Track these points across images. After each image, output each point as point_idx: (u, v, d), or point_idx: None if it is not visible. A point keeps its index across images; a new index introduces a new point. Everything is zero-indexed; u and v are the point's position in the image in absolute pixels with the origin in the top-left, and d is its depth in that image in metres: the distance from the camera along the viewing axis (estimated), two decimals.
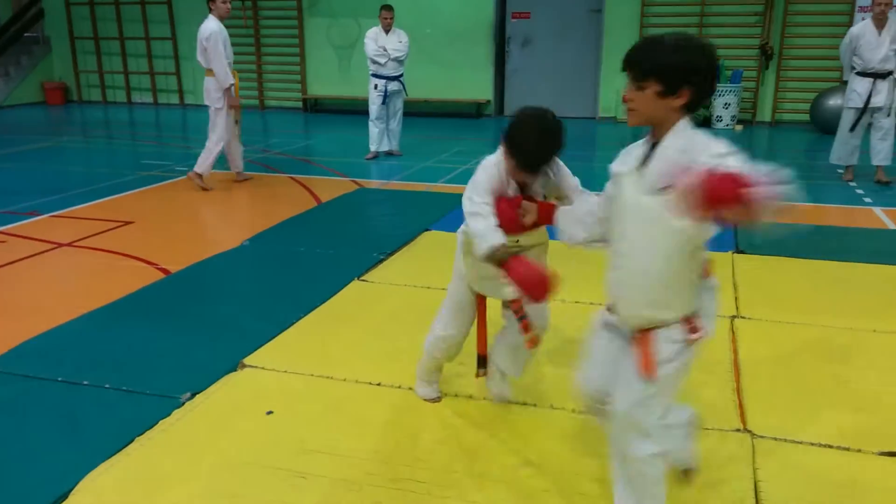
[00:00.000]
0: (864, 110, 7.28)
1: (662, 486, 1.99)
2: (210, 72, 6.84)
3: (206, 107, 7.03)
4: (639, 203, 1.85)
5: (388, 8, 8.47)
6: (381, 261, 4.64)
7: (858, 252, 4.73)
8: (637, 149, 1.92)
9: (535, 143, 2.35)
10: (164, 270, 4.48)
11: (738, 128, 11.09)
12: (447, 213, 5.83)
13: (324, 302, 3.94)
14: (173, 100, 14.18)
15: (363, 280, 4.31)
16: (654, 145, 1.86)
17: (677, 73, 1.79)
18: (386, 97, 8.55)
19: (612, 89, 12.03)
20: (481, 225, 2.32)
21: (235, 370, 3.13)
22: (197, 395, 2.91)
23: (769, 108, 11.44)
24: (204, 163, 6.95)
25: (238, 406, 2.86)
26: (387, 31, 8.47)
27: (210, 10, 6.84)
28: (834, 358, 3.28)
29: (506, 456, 2.54)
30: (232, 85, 6.85)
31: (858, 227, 5.60)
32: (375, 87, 8.53)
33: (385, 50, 8.42)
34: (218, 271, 4.54)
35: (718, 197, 1.53)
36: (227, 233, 5.62)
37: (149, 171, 7.77)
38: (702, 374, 3.08)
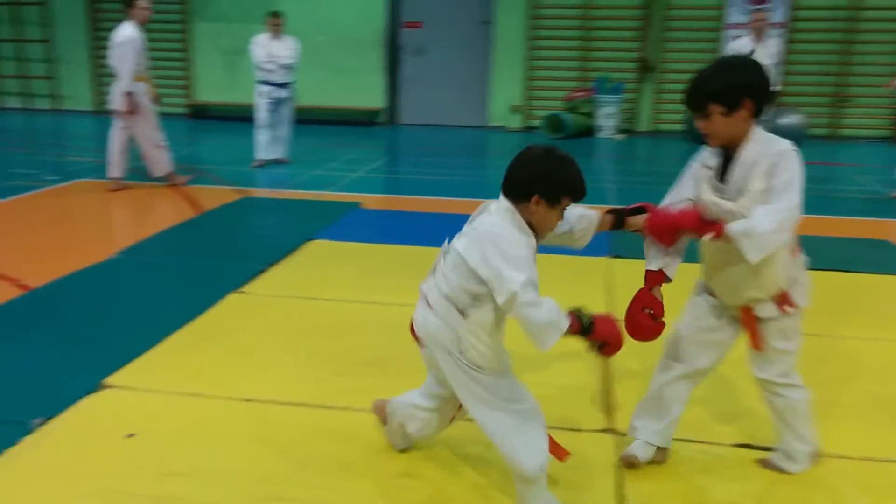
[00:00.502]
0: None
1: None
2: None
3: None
4: (724, 209, 2.17)
5: (276, 14, 8.33)
6: (262, 272, 4.52)
7: None
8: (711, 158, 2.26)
9: (576, 170, 2.10)
10: (24, 286, 4.20)
11: (620, 137, 11.52)
12: (334, 222, 5.77)
13: (197, 316, 3.78)
14: (46, 104, 13.42)
15: (241, 292, 4.18)
16: (728, 157, 2.19)
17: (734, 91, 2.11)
18: (274, 104, 8.37)
19: (502, 99, 12.26)
20: (545, 313, 1.97)
21: (95, 391, 2.96)
22: (51, 420, 2.72)
23: (648, 119, 11.94)
24: (160, 164, 7.03)
25: (96, 430, 2.69)
26: (275, 38, 8.30)
27: (129, 16, 6.77)
28: None
29: (380, 468, 2.50)
30: (132, 92, 6.73)
31: None
32: (263, 93, 8.35)
33: (273, 56, 8.25)
34: (84, 286, 4.30)
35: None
36: (99, 245, 5.32)
37: (15, 180, 7.30)
38: (570, 378, 3.16)
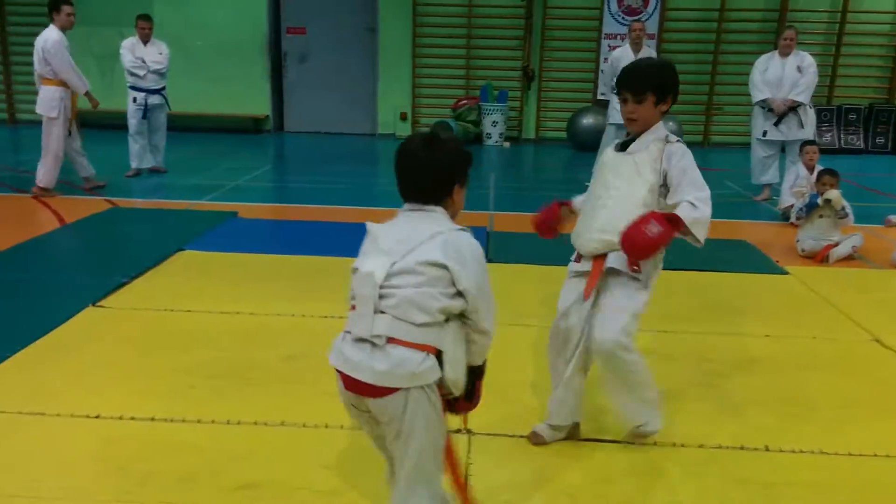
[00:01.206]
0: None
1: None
2: (48, 81, 6.79)
3: None
4: (620, 157, 2.60)
5: (146, 18, 8.06)
6: (123, 284, 4.34)
7: None
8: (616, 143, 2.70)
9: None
10: None
11: (506, 144, 11.76)
12: (207, 232, 5.61)
13: (48, 332, 3.60)
14: None
15: (99, 306, 4.00)
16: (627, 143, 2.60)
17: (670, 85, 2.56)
18: (146, 111, 8.09)
19: (390, 106, 12.28)
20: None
21: None
22: None
23: (533, 126, 12.24)
24: (47, 175, 6.89)
25: None
26: (145, 42, 8.03)
27: (52, 20, 6.82)
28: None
29: (222, 480, 2.45)
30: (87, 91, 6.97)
31: None
32: (134, 100, 8.06)
33: (143, 62, 7.97)
34: None
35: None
36: None
37: None
38: None
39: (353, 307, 1.85)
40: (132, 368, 3.26)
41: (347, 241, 5.62)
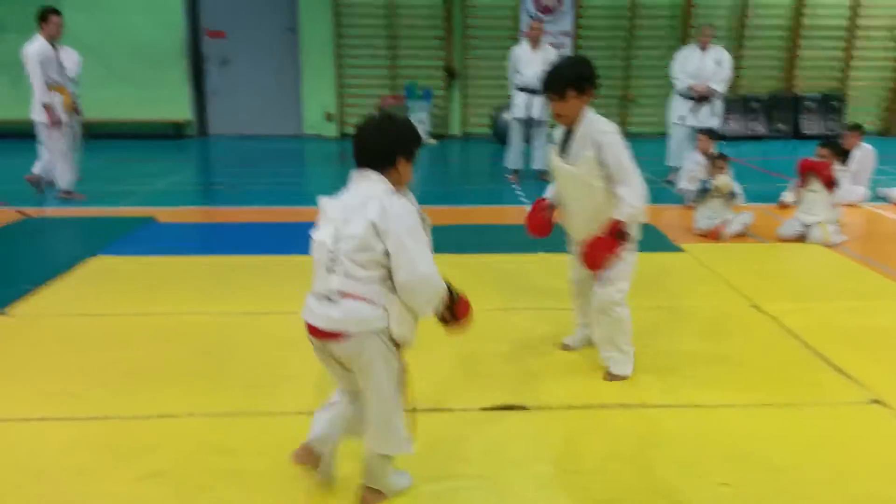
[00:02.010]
0: (529, 121, 8.28)
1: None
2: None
3: None
4: (568, 171, 3.01)
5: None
6: (29, 292, 4.33)
7: (499, 245, 5.34)
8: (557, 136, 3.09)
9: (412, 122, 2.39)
10: None
11: (433, 141, 11.94)
12: (122, 238, 5.63)
13: None
14: None
15: (2, 314, 4.00)
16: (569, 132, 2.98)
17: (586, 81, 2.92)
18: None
19: (316, 106, 12.34)
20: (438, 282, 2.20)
21: None
22: None
23: (458, 123, 12.46)
24: (63, 178, 7.21)
25: None
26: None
27: (41, 30, 6.98)
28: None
29: (123, 472, 2.53)
30: (53, 102, 7.01)
31: (510, 224, 6.31)
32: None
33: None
34: None
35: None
36: None
37: None
38: None
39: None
40: (33, 373, 3.29)
41: (265, 239, 5.85)
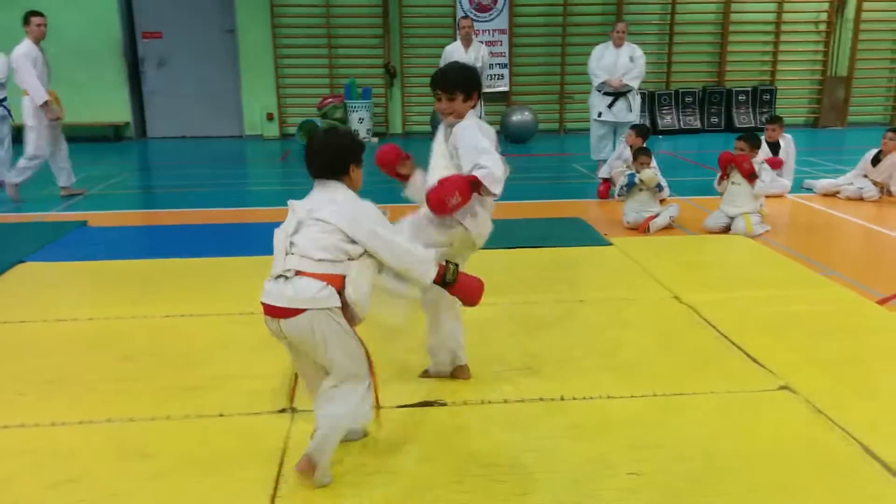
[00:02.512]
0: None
1: None
2: (26, 91, 7.14)
3: None
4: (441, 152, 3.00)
5: None
6: None
7: None
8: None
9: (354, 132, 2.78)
10: None
11: (374, 140, 11.95)
12: (50, 243, 5.54)
13: None
14: None
15: None
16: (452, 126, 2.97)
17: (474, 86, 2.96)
18: None
19: (256, 107, 12.24)
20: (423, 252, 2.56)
21: None
22: None
23: (399, 121, 12.50)
24: (19, 176, 7.29)
25: None
26: None
27: (26, 33, 7.18)
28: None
29: (38, 479, 2.52)
30: (47, 101, 7.18)
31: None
32: None
33: None
34: None
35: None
36: None
37: None
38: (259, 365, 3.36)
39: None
40: None
41: (200, 242, 5.81)
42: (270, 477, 2.52)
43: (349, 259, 2.38)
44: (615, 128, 8.39)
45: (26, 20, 7.21)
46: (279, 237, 2.42)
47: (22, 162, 7.32)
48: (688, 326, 3.85)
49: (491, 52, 10.44)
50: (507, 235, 5.61)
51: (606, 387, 3.16)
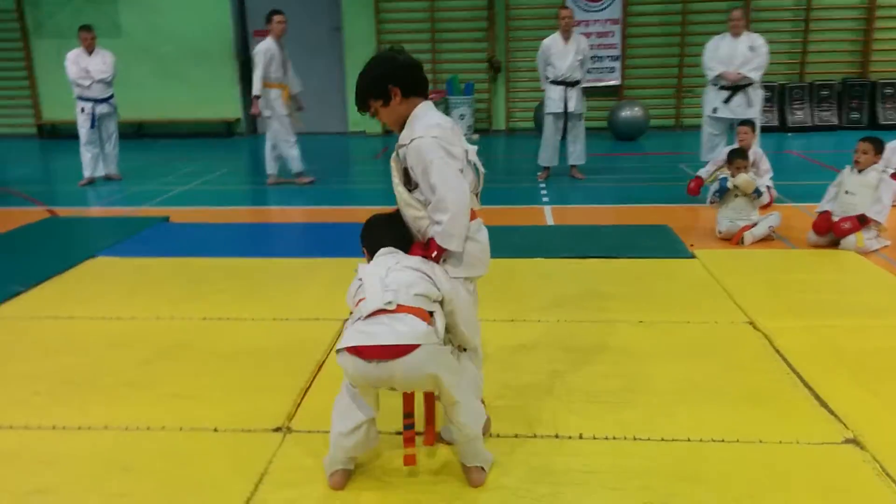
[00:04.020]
0: (565, 115, 7.96)
1: None
2: (269, 84, 7.71)
3: None
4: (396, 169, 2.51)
5: (87, 28, 8.16)
6: (18, 293, 4.40)
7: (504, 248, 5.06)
8: None
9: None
10: None
11: (476, 137, 11.69)
12: (127, 238, 5.68)
13: None
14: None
15: None
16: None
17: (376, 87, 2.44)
18: (95, 120, 8.18)
19: None
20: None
21: None
22: None
23: (503, 117, 12.18)
24: (294, 164, 8.03)
25: None
26: (89, 52, 8.12)
27: (269, 31, 7.76)
28: None
29: (18, 485, 2.48)
30: (258, 96, 7.72)
31: (520, 224, 6.04)
32: (83, 110, 8.17)
33: (88, 72, 8.07)
34: None
35: None
36: None
37: None
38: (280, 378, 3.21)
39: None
40: None
41: (273, 241, 5.78)
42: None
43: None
44: (732, 125, 7.63)
45: (268, 19, 7.72)
46: (371, 281, 2.31)
47: (268, 153, 8.03)
48: (754, 359, 3.35)
49: (591, 45, 9.91)
50: (580, 243, 5.27)
51: (632, 426, 2.77)
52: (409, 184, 2.46)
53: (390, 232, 2.48)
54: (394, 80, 2.43)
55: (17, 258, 5.23)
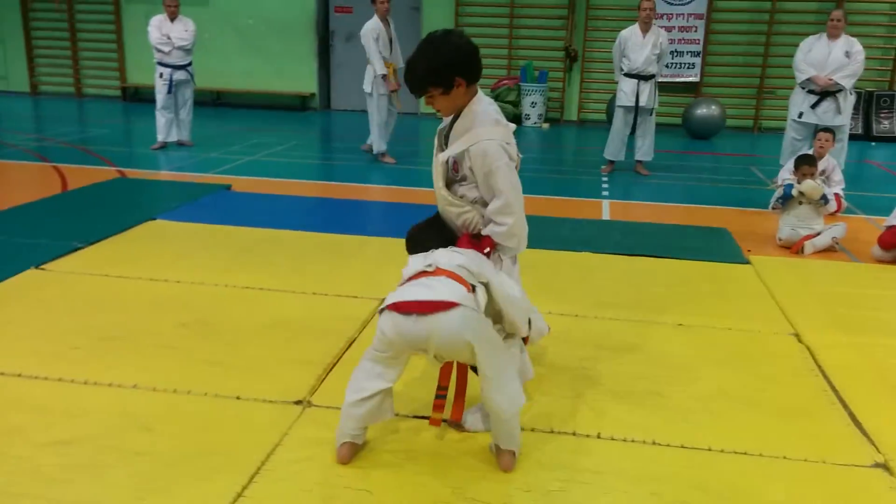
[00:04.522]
0: (636, 109, 7.78)
1: None
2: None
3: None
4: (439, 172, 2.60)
5: None
6: (76, 249, 4.58)
7: (552, 240, 5.00)
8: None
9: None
10: None
11: (545, 126, 11.57)
12: (187, 203, 5.84)
13: None
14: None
15: (41, 268, 4.24)
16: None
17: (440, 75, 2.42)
18: (172, 86, 8.42)
19: None
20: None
21: None
22: None
23: (575, 108, 11.99)
24: (377, 142, 8.19)
25: None
26: (171, 19, 8.36)
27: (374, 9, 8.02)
28: None
29: (42, 435, 2.58)
30: (383, 75, 7.96)
31: (574, 217, 5.95)
32: (161, 75, 8.41)
33: (169, 38, 8.30)
34: None
35: None
36: None
37: None
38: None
39: None
40: (31, 328, 3.44)
41: (324, 216, 5.85)
42: (248, 472, 2.39)
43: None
44: (816, 131, 7.27)
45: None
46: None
47: (373, 127, 8.23)
48: (792, 372, 3.22)
49: (670, 39, 9.63)
50: (632, 240, 5.15)
51: (652, 430, 2.70)
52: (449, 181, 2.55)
53: (435, 234, 2.54)
54: (460, 71, 2.42)
55: (82, 215, 5.44)
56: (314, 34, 12.47)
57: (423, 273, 2.31)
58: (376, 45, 7.91)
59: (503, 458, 2.42)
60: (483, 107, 2.53)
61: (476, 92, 2.53)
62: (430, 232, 2.57)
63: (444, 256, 2.37)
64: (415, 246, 2.53)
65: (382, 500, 2.29)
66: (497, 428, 2.41)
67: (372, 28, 7.92)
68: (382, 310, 2.28)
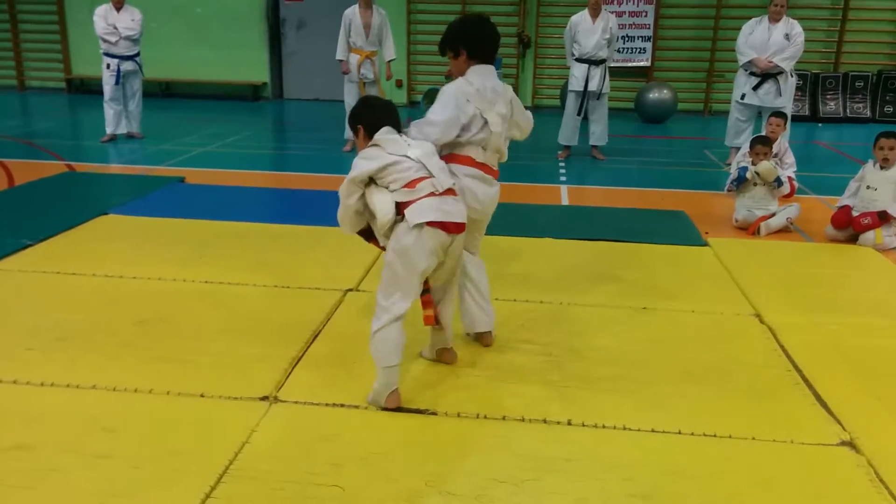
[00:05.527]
0: (584, 94, 7.81)
1: None
2: (355, 50, 8.05)
3: None
4: None
5: None
6: (27, 246, 4.42)
7: (513, 226, 5.00)
8: None
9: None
10: None
11: None
12: (140, 197, 5.68)
13: None
14: None
15: None
16: None
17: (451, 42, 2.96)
18: (119, 77, 8.18)
19: None
20: None
21: None
22: None
23: (530, 93, 12.00)
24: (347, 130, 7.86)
25: None
26: (118, 9, 8.10)
27: None
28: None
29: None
30: (340, 60, 8.07)
31: (533, 203, 5.96)
32: (108, 66, 8.17)
33: (115, 28, 8.05)
34: None
35: None
36: None
37: None
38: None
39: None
40: None
41: (282, 207, 5.75)
42: (216, 472, 2.33)
43: None
44: (760, 113, 7.45)
45: None
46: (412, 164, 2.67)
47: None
48: (756, 353, 3.27)
49: (620, 24, 9.72)
50: (592, 225, 5.18)
51: (625, 415, 2.71)
52: None
53: (389, 115, 2.81)
54: (463, 43, 2.95)
55: (31, 211, 5.26)
56: (264, 22, 12.24)
57: (449, 191, 2.67)
58: (344, 31, 8.01)
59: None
60: (476, 74, 2.93)
61: (478, 67, 2.95)
62: (387, 111, 2.83)
63: (443, 165, 2.78)
64: (369, 117, 2.79)
65: (355, 496, 2.26)
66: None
67: (345, 14, 8.05)
68: (420, 224, 2.57)
